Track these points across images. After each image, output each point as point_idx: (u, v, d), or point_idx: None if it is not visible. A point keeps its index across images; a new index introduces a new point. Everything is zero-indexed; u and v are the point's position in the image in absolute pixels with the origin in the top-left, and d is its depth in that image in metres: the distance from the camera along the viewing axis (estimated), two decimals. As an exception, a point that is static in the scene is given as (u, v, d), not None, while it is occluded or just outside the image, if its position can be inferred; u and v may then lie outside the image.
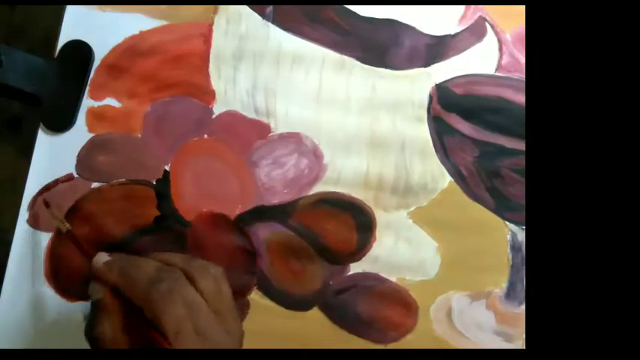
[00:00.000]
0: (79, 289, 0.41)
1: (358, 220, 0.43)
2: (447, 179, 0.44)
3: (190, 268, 0.33)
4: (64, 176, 0.42)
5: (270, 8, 0.44)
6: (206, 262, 0.35)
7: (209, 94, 0.43)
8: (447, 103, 0.44)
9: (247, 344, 0.41)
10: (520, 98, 0.45)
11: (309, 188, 0.43)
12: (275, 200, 0.43)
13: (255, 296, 0.42)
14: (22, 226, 0.41)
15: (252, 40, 0.44)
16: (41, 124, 0.42)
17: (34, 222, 0.41)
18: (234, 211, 0.42)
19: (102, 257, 0.33)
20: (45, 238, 0.41)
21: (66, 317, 0.41)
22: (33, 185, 0.41)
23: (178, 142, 0.43)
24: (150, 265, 0.32)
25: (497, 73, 0.45)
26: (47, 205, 0.40)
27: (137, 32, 0.43)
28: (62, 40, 0.42)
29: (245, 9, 0.44)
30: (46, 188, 0.41)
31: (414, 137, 0.44)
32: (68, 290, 0.41)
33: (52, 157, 0.41)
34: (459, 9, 0.45)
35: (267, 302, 0.42)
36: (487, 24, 0.46)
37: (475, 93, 0.45)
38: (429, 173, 0.44)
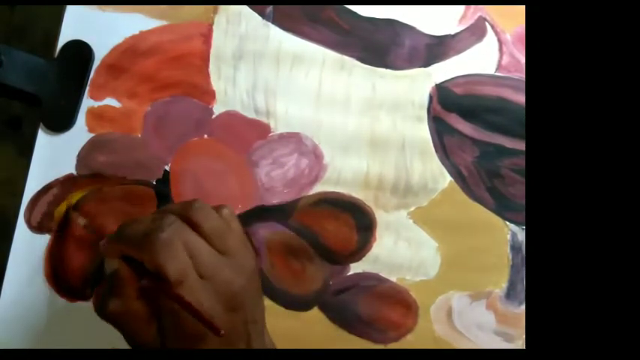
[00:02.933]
0: (79, 290, 0.41)
1: (358, 220, 0.43)
2: (447, 179, 0.44)
3: (190, 211, 0.31)
4: (64, 176, 0.42)
5: (270, 8, 0.44)
6: (210, 204, 0.33)
7: (209, 94, 0.43)
8: (447, 103, 0.44)
9: (247, 344, 0.41)
10: (520, 98, 0.45)
11: (309, 188, 0.43)
12: (275, 200, 0.43)
13: (255, 296, 0.42)
14: (22, 226, 0.41)
15: (252, 40, 0.44)
16: (41, 124, 0.42)
17: (34, 222, 0.41)
18: (234, 211, 0.42)
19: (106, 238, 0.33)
20: (45, 238, 0.41)
21: (66, 317, 0.41)
22: (33, 185, 0.41)
23: (178, 142, 0.43)
24: (146, 218, 0.31)
25: (497, 73, 0.45)
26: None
27: (137, 32, 0.43)
28: (62, 40, 0.42)
29: (245, 9, 0.44)
30: (46, 188, 0.41)
31: (414, 137, 0.44)
32: (68, 290, 0.41)
33: (52, 157, 0.41)
34: (459, 9, 0.45)
35: (267, 302, 0.42)
36: (487, 24, 0.46)
37: (475, 93, 0.45)
38: (429, 173, 0.44)
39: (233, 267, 0.31)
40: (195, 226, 0.31)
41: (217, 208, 0.33)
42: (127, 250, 0.31)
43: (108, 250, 0.31)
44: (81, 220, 0.37)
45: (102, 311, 0.30)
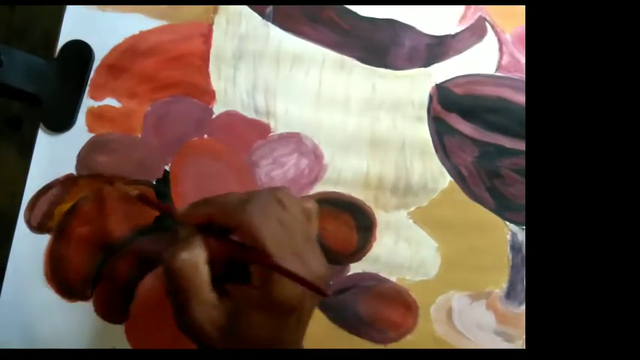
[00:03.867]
0: (79, 290, 0.41)
1: (358, 220, 0.43)
2: (447, 179, 0.44)
3: (278, 194, 0.31)
4: (64, 176, 0.42)
5: (270, 8, 0.44)
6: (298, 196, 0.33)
7: (209, 94, 0.43)
8: (447, 103, 0.44)
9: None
10: (520, 98, 0.45)
11: (309, 188, 0.43)
12: (275, 200, 0.43)
13: (255, 296, 0.42)
14: (22, 226, 0.41)
15: (252, 40, 0.44)
16: (41, 124, 0.42)
17: (34, 222, 0.41)
18: (234, 211, 0.42)
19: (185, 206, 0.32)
20: (45, 238, 0.41)
21: (66, 317, 0.41)
22: (33, 185, 0.41)
23: (178, 142, 0.43)
24: (235, 193, 0.31)
25: (497, 73, 0.45)
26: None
27: (137, 32, 0.43)
28: (62, 40, 0.42)
29: (245, 9, 0.44)
30: (46, 188, 0.41)
31: (414, 137, 0.44)
32: (68, 291, 0.41)
33: (52, 157, 0.41)
34: (459, 9, 0.45)
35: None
36: (487, 24, 0.46)
37: (475, 93, 0.45)
38: (429, 173, 0.44)
39: (317, 255, 0.31)
40: (282, 206, 0.31)
41: (303, 201, 0.33)
42: (219, 214, 0.30)
43: (190, 215, 0.30)
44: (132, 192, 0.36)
45: (169, 261, 0.29)
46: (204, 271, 0.29)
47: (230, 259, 0.30)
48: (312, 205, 0.33)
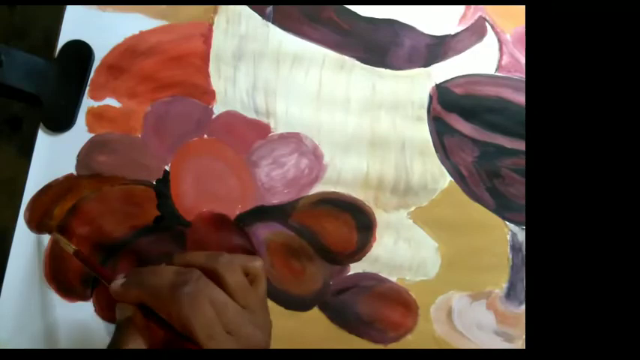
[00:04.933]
0: (80, 290, 0.41)
1: (358, 220, 0.43)
2: (447, 179, 0.44)
3: (215, 265, 0.32)
4: (64, 176, 0.42)
5: (270, 8, 0.44)
6: (243, 256, 0.34)
7: (209, 94, 0.43)
8: (447, 103, 0.44)
9: (247, 344, 0.41)
10: (520, 98, 0.45)
11: (309, 188, 0.43)
12: (275, 200, 0.43)
13: (255, 296, 0.42)
14: (22, 226, 0.41)
15: (252, 40, 0.44)
16: (41, 124, 0.42)
17: (34, 222, 0.41)
18: (234, 211, 0.42)
19: (118, 281, 0.32)
20: (45, 238, 0.41)
21: (66, 317, 0.41)
22: (33, 185, 0.41)
23: (178, 142, 0.43)
24: (168, 270, 0.31)
25: (497, 73, 0.45)
26: (50, 231, 0.40)
27: (137, 32, 0.43)
28: (62, 40, 0.42)
29: (245, 9, 0.44)
30: (46, 188, 0.41)
31: (414, 137, 0.44)
32: (68, 290, 0.41)
33: (52, 157, 0.41)
34: (459, 9, 0.45)
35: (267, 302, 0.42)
36: (487, 24, 0.46)
37: (475, 93, 0.45)
38: (429, 173, 0.44)
39: (254, 322, 0.32)
40: (220, 282, 0.31)
41: (248, 260, 0.33)
42: (149, 301, 0.30)
43: (124, 295, 0.31)
44: (69, 249, 0.38)
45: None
46: None
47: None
48: (257, 264, 0.34)
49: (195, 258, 0.33)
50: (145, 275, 0.31)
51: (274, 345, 0.41)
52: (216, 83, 0.43)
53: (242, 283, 0.32)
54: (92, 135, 0.42)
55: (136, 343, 0.30)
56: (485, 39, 0.45)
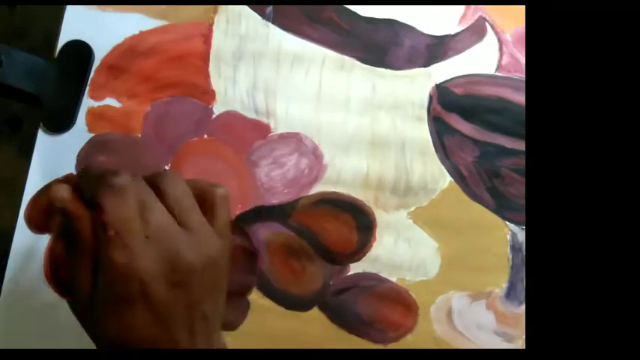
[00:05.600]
0: (79, 289, 0.41)
1: (358, 220, 0.43)
2: (447, 179, 0.44)
3: (158, 178, 0.29)
4: (64, 176, 0.42)
5: (270, 8, 0.44)
6: (204, 181, 0.30)
7: (209, 94, 0.43)
8: (447, 103, 0.44)
9: (247, 344, 0.41)
10: (520, 98, 0.45)
11: (309, 188, 0.43)
12: (275, 200, 0.43)
13: (255, 296, 0.42)
14: (22, 226, 0.41)
15: (252, 40, 0.44)
16: (41, 124, 0.42)
17: (34, 222, 0.41)
18: (234, 211, 0.42)
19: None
20: (45, 238, 0.41)
21: (66, 317, 0.41)
22: (33, 185, 0.41)
23: (178, 142, 0.43)
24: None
25: (497, 73, 0.45)
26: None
27: (137, 32, 0.43)
28: (62, 40, 0.42)
29: (245, 9, 0.44)
30: (47, 188, 0.41)
31: (414, 137, 0.44)
32: (68, 290, 0.41)
33: (52, 157, 0.41)
34: (459, 9, 0.45)
35: (267, 302, 0.42)
36: (487, 24, 0.46)
37: (475, 93, 0.45)
38: (429, 173, 0.44)
39: (189, 242, 0.28)
40: (159, 193, 0.28)
41: (207, 185, 0.30)
42: (77, 180, 0.29)
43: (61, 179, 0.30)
44: None
45: (45, 189, 0.29)
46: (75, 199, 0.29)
47: None
48: (218, 191, 0.30)
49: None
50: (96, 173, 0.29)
51: (274, 345, 0.41)
52: (216, 83, 0.43)
53: (185, 201, 0.29)
54: (92, 135, 0.42)
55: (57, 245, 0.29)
56: (486, 39, 0.45)
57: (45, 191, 0.29)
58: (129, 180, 0.27)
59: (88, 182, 0.29)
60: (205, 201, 0.30)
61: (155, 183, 0.28)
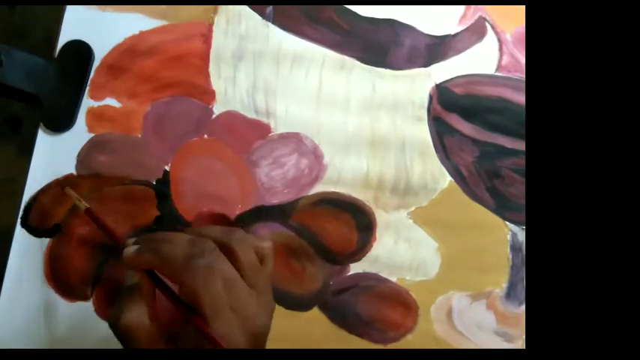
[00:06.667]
0: (80, 290, 0.41)
1: (358, 220, 0.43)
2: (447, 179, 0.44)
3: (229, 240, 0.31)
4: (64, 176, 0.42)
5: (270, 8, 0.44)
6: (254, 235, 0.34)
7: (209, 94, 0.43)
8: (447, 103, 0.44)
9: (247, 344, 0.41)
10: (520, 98, 0.45)
11: (309, 188, 0.43)
12: (275, 200, 0.43)
13: (255, 296, 0.42)
14: (21, 226, 0.41)
15: (252, 40, 0.44)
16: (41, 124, 0.42)
17: (34, 222, 0.41)
18: (234, 211, 0.42)
19: (131, 247, 0.31)
20: (45, 238, 0.41)
21: (66, 317, 0.41)
22: (33, 185, 0.41)
23: (178, 142, 0.43)
24: (183, 238, 0.31)
25: (497, 73, 0.45)
26: (62, 187, 0.39)
27: (137, 32, 0.43)
28: (62, 40, 0.42)
29: (245, 9, 0.44)
30: (46, 188, 0.41)
31: (414, 137, 0.44)
32: (68, 290, 0.41)
33: (52, 157, 0.41)
34: (459, 9, 0.45)
35: (267, 302, 0.42)
36: (487, 24, 0.46)
37: (475, 93, 0.45)
38: (429, 173, 0.44)
39: (260, 304, 0.31)
40: (233, 257, 0.31)
41: (259, 241, 0.33)
42: (161, 268, 0.30)
43: (137, 260, 0.31)
44: (81, 205, 0.37)
45: (115, 321, 0.29)
46: (148, 330, 0.30)
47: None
48: (267, 245, 0.33)
49: (209, 230, 0.32)
50: (160, 242, 0.31)
51: (274, 345, 0.41)
52: (216, 83, 0.43)
53: (253, 262, 0.32)
54: (92, 135, 0.42)
55: (140, 309, 0.29)
56: (486, 39, 0.45)
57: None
58: (213, 258, 0.30)
59: (170, 262, 0.30)
60: (257, 254, 0.33)
61: (227, 246, 0.31)
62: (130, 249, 0.31)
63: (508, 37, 0.46)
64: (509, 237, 0.44)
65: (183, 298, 0.30)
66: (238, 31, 0.44)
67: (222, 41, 0.44)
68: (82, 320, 0.41)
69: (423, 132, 0.44)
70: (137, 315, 0.29)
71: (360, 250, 0.43)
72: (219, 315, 0.29)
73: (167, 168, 0.42)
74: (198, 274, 0.29)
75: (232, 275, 0.30)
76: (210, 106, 0.43)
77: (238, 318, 0.30)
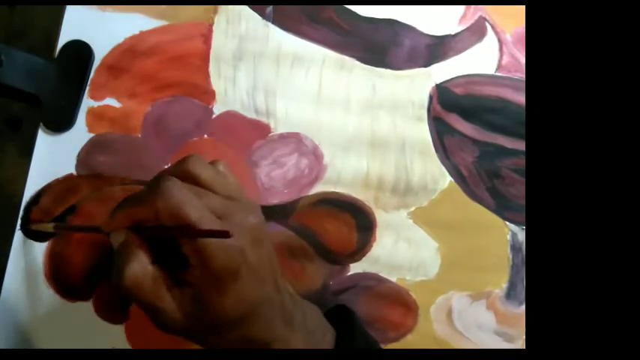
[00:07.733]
0: (79, 290, 0.41)
1: (358, 220, 0.43)
2: (447, 179, 0.44)
3: (185, 165, 0.31)
4: (64, 176, 0.42)
5: (270, 8, 0.44)
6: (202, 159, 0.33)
7: (209, 94, 0.43)
8: (447, 103, 0.44)
9: (247, 344, 0.41)
10: (520, 98, 0.45)
11: (309, 188, 0.43)
12: (275, 200, 0.43)
13: (255, 296, 0.42)
14: (21, 226, 0.41)
15: (252, 40, 0.44)
16: (41, 124, 0.42)
17: (34, 223, 0.41)
18: (234, 211, 0.42)
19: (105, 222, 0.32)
20: (45, 238, 0.41)
21: (66, 317, 0.41)
22: (33, 185, 0.41)
23: (178, 142, 0.43)
24: (139, 187, 0.31)
25: (497, 73, 0.45)
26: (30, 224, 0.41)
27: (137, 32, 0.43)
28: (62, 41, 0.42)
29: (245, 9, 0.44)
30: (46, 188, 0.41)
31: (414, 137, 0.44)
32: (68, 290, 0.41)
33: (52, 157, 0.41)
34: (459, 9, 0.45)
35: (267, 302, 0.42)
36: (487, 24, 0.46)
37: (475, 93, 0.45)
38: (429, 173, 0.44)
39: (243, 208, 0.31)
40: (193, 178, 0.31)
41: (212, 163, 0.33)
42: (135, 211, 0.30)
43: (113, 221, 0.31)
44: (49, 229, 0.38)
45: (120, 281, 0.29)
46: (153, 276, 0.29)
47: (169, 246, 0.30)
48: (221, 165, 0.33)
49: (164, 169, 0.32)
50: (122, 202, 0.31)
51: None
52: (216, 83, 0.43)
53: (215, 175, 0.32)
54: (92, 135, 0.42)
55: (139, 258, 0.29)
56: (486, 39, 0.45)
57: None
58: (174, 179, 0.29)
59: (138, 201, 0.30)
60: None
61: (184, 171, 0.31)
62: (106, 218, 0.31)
63: (508, 37, 0.46)
64: (509, 237, 0.44)
65: (169, 224, 0.29)
66: (238, 31, 0.44)
67: (222, 41, 0.44)
68: (82, 320, 0.41)
69: (423, 132, 0.44)
70: (138, 263, 0.29)
71: (360, 250, 0.43)
72: (205, 221, 0.29)
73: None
74: (169, 192, 0.29)
75: (200, 190, 0.30)
76: (210, 106, 0.43)
77: (228, 224, 0.29)
